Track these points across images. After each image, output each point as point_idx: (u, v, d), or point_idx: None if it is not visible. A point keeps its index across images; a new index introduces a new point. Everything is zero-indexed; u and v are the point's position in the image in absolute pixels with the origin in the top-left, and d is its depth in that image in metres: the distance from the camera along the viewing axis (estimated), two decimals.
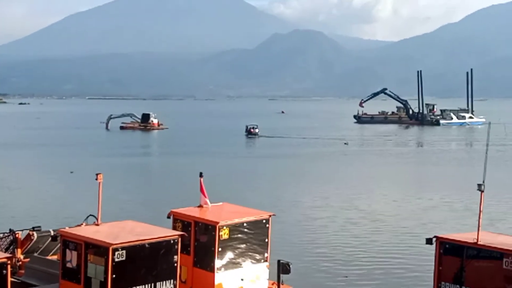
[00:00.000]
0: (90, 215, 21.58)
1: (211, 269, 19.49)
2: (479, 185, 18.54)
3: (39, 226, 23.09)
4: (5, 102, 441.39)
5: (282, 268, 19.92)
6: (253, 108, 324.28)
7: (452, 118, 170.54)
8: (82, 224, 20.76)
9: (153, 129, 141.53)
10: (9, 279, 15.25)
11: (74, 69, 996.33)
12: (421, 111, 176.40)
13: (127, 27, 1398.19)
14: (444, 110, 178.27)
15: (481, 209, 18.10)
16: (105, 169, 45.91)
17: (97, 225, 19.85)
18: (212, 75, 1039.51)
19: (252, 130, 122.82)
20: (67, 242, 17.42)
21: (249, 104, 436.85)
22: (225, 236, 19.79)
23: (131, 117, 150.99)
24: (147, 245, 16.78)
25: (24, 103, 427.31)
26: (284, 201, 45.87)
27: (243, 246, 20.19)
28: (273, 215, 21.33)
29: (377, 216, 40.83)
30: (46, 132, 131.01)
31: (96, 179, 21.35)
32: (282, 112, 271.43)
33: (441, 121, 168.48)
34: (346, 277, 28.29)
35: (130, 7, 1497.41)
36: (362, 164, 73.69)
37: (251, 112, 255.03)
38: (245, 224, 20.26)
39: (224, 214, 20.74)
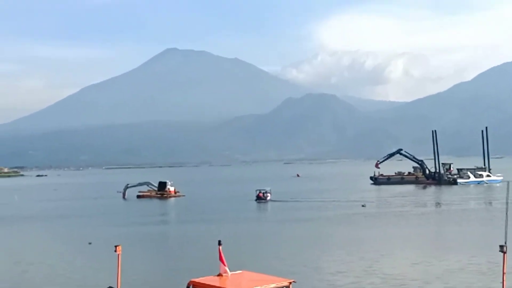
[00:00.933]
0: (110, 287, 21.54)
1: None
2: (501, 247, 18.31)
3: None
4: (22, 175, 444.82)
5: None
6: (269, 173, 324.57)
7: (469, 177, 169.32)
8: None
9: (170, 197, 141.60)
10: None
11: (89, 140, 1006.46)
12: (437, 170, 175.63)
13: (140, 97, 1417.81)
14: (461, 169, 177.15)
15: (505, 271, 17.83)
16: (123, 239, 45.92)
17: None
18: (227, 141, 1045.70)
19: (261, 194, 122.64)
20: None
21: (264, 169, 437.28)
22: None
23: (147, 185, 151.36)
24: None
25: (42, 175, 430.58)
26: (304, 267, 45.27)
27: None
28: (294, 282, 21.16)
29: (400, 281, 39.89)
30: (63, 203, 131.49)
31: (115, 251, 21.41)
32: (297, 175, 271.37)
33: (459, 180, 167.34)
34: None
35: (143, 78, 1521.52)
36: (381, 226, 72.98)
37: (267, 176, 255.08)
38: None
39: (245, 282, 20.60)
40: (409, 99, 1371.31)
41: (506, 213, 20.88)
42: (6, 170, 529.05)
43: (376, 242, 58.25)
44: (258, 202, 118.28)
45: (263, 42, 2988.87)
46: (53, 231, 79.17)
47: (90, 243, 62.18)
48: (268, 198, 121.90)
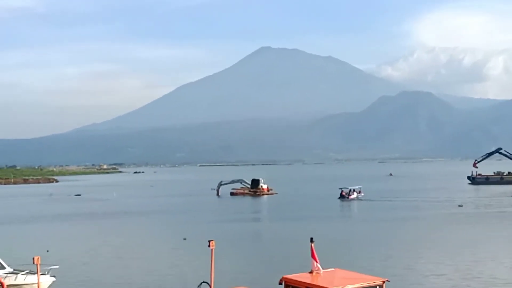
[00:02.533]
0: (204, 281, 21.88)
1: None
2: None
3: None
4: (121, 172, 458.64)
5: None
6: (362, 171, 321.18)
7: None
8: None
9: (263, 195, 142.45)
10: None
11: (185, 138, 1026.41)
12: None
13: (235, 95, 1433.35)
14: None
15: None
16: (217, 236, 46.54)
17: None
18: (320, 139, 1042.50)
19: (344, 193, 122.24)
20: None
21: (357, 168, 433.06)
22: None
23: (241, 183, 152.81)
24: None
25: (139, 172, 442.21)
26: (397, 267, 44.48)
27: None
28: (387, 281, 20.83)
29: (497, 286, 38.35)
30: (160, 200, 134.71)
31: (209, 246, 21.71)
32: (391, 174, 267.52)
33: None
34: None
35: (237, 77, 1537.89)
36: (479, 227, 70.80)
37: (359, 175, 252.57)
38: None
39: (337, 280, 20.45)
40: (509, 97, 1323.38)
41: None
42: (105, 166, 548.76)
43: (474, 244, 56.43)
44: (342, 201, 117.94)
45: (358, 40, 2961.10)
46: (150, 226, 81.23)
47: (184, 239, 63.42)
48: (353, 196, 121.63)
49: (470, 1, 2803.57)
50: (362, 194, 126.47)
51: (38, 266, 27.28)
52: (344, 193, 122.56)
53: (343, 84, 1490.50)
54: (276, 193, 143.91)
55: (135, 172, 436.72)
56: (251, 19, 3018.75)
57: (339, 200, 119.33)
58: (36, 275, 29.27)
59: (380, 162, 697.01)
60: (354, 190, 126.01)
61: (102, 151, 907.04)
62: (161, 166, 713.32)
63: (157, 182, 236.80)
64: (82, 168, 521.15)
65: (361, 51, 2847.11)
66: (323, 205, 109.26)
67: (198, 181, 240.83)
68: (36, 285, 31.10)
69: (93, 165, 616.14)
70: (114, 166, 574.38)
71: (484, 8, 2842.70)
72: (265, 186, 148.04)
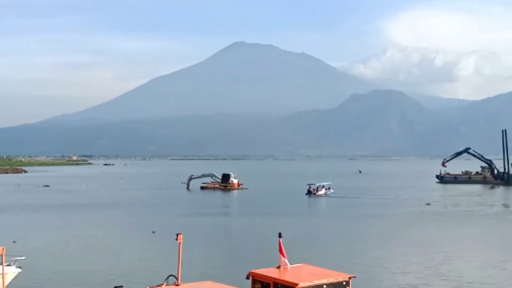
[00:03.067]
0: (171, 275, 21.80)
1: None
2: None
3: (121, 286, 23.43)
4: (90, 164, 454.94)
5: None
6: (332, 168, 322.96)
7: None
8: (162, 284, 20.95)
9: (233, 189, 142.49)
10: None
11: (157, 131, 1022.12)
12: (506, 171, 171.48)
13: (208, 89, 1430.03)
14: None
15: None
16: (186, 229, 46.42)
17: (177, 285, 19.98)
18: (292, 135, 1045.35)
19: (311, 189, 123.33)
20: None
21: (328, 164, 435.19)
22: None
23: (211, 177, 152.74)
24: None
25: (109, 164, 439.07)
26: (364, 263, 44.82)
27: None
28: (354, 277, 20.96)
29: (465, 284, 38.85)
30: (129, 192, 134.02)
31: (176, 239, 21.64)
32: (360, 171, 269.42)
33: None
34: None
35: (210, 71, 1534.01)
36: (445, 226, 71.60)
37: (329, 172, 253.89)
38: (325, 286, 19.98)
39: (304, 275, 20.52)
40: (479, 97, 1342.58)
41: None
42: (75, 158, 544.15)
43: (442, 242, 57.06)
44: (309, 197, 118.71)
45: (332, 37, 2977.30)
46: (119, 219, 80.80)
47: (153, 232, 63.28)
48: (320, 193, 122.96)
49: (443, 1, 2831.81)
50: (332, 190, 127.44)
51: (3, 256, 26.93)
52: (311, 189, 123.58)
53: (316, 81, 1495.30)
54: (247, 188, 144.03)
55: (105, 164, 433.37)
56: (225, 14, 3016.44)
57: (306, 196, 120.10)
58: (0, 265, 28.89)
59: (350, 159, 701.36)
60: (323, 187, 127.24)
61: (73, 143, 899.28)
62: (132, 159, 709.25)
63: (127, 175, 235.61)
64: (52, 159, 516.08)
65: (335, 48, 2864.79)
66: (291, 201, 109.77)
67: (168, 174, 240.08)
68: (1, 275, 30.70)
69: (62, 156, 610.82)
70: (84, 158, 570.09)
71: (457, 9, 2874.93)
72: (235, 181, 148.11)
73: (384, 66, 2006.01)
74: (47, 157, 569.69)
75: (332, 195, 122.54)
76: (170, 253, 42.57)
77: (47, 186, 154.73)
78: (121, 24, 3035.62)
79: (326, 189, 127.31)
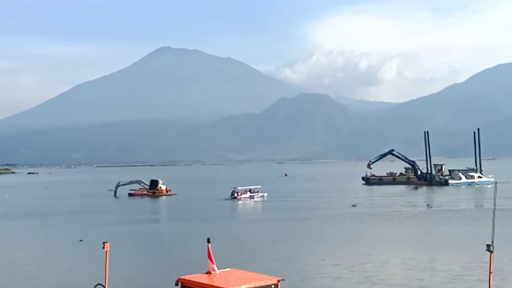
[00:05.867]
0: (98, 284, 21.59)
1: None
2: (488, 246, 18.46)
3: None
4: (14, 172, 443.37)
5: None
6: (259, 172, 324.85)
7: (461, 178, 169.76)
8: None
9: (161, 196, 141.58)
10: None
11: (82, 138, 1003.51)
12: (429, 171, 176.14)
13: (135, 95, 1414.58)
14: (453, 170, 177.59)
15: (491, 270, 17.94)
16: (113, 237, 45.91)
17: None
18: (220, 140, 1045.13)
19: (235, 193, 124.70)
20: None
21: (256, 168, 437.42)
22: None
23: (139, 184, 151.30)
24: None
25: (33, 173, 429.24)
26: (292, 266, 45.30)
27: None
28: (282, 280, 21.21)
29: (389, 281, 39.75)
30: (55, 201, 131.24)
31: (103, 248, 21.42)
32: (286, 175, 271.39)
33: (450, 181, 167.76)
34: None
35: (136, 77, 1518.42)
36: (371, 226, 73.08)
37: (256, 176, 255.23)
38: None
39: (233, 280, 20.64)
40: (402, 100, 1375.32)
41: (494, 213, 21.05)
42: None
43: (365, 242, 58.20)
44: (233, 201, 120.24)
45: (257, 41, 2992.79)
46: (44, 228, 79.01)
47: (81, 241, 62.28)
48: (245, 196, 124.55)
49: (368, 7, 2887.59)
50: (261, 194, 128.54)
51: None
52: (235, 193, 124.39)
53: (243, 85, 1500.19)
54: (175, 194, 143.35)
55: (29, 173, 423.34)
56: (150, 19, 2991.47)
57: (230, 200, 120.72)
58: None
59: (278, 163, 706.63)
60: (249, 190, 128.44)
61: None
62: (57, 167, 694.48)
63: (53, 183, 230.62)
64: None
65: (260, 53, 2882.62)
66: (219, 205, 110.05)
67: (95, 182, 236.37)
68: None
69: None
70: (6, 167, 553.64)
71: (381, 14, 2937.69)
72: (164, 187, 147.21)
73: (310, 70, 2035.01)
74: None
75: (258, 199, 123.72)
76: (98, 261, 41.97)
77: None
78: (42, 29, 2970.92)
79: (255, 193, 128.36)
